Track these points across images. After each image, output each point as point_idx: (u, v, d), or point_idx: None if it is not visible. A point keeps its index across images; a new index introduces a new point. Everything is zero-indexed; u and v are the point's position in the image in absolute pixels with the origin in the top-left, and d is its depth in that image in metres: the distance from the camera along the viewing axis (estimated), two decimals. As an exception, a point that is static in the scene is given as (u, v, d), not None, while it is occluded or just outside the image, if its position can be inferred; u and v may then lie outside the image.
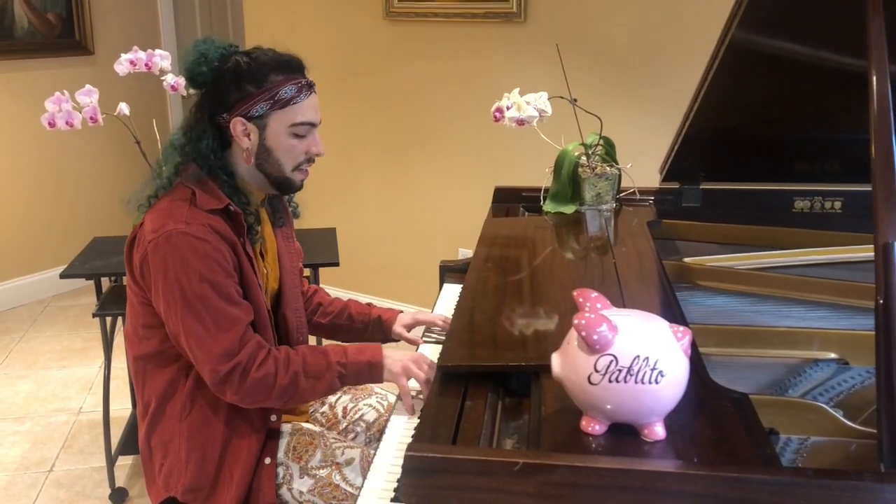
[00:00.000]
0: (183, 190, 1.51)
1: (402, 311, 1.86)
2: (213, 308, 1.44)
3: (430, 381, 1.51)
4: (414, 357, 1.56)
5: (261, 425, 1.58)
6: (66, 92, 2.23)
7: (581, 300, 1.09)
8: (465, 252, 3.19)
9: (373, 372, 1.55)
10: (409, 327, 1.83)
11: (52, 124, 2.22)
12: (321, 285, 2.18)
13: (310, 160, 1.58)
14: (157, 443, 1.60)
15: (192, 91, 1.59)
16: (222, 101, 1.51)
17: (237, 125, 1.51)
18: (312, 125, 1.56)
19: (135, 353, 1.60)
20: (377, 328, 1.85)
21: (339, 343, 1.72)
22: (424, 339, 1.78)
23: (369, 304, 1.90)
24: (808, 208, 2.02)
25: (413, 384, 1.54)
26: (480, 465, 0.97)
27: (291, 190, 1.62)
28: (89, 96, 2.25)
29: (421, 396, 1.52)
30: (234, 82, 1.49)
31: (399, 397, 1.53)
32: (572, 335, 1.06)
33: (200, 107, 1.54)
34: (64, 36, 4.16)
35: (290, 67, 1.53)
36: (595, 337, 1.01)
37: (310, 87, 1.55)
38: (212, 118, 1.52)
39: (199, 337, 1.44)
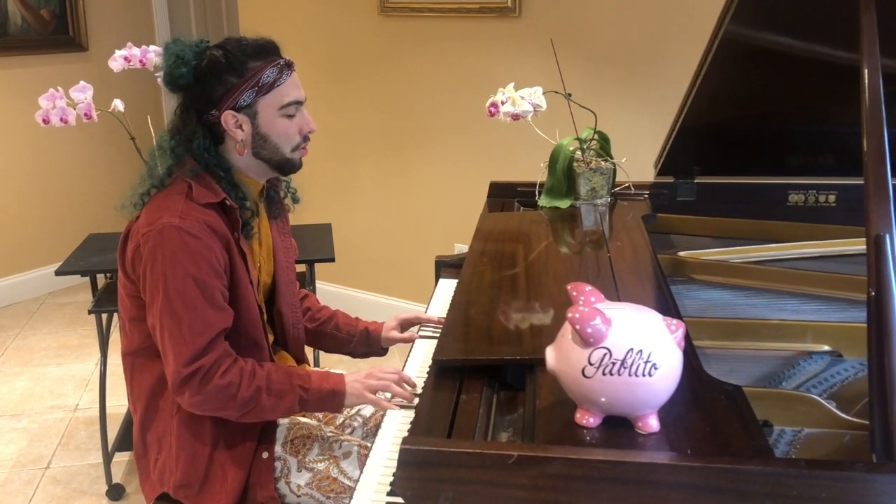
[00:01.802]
0: (180, 184, 1.51)
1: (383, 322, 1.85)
2: (193, 308, 1.43)
3: (396, 381, 1.52)
4: (367, 373, 1.55)
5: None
6: (60, 88, 2.23)
7: (575, 294, 1.10)
8: (461, 247, 3.20)
9: (335, 399, 1.54)
10: (398, 330, 1.83)
11: (46, 121, 2.21)
12: (317, 281, 2.18)
13: (305, 139, 1.59)
14: (152, 439, 1.60)
15: None
16: (207, 98, 1.50)
17: (228, 118, 1.51)
18: (299, 103, 1.56)
19: (123, 349, 1.60)
20: (363, 341, 1.84)
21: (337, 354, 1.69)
22: (420, 334, 1.78)
23: (356, 318, 1.89)
24: (802, 202, 2.02)
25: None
26: (475, 458, 0.98)
27: (293, 170, 1.62)
28: (83, 93, 2.24)
29: (394, 399, 1.52)
30: (216, 77, 1.49)
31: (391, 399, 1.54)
32: (566, 328, 1.06)
33: (185, 108, 1.53)
34: (58, 32, 4.15)
35: (266, 51, 1.52)
36: (589, 330, 1.01)
37: (289, 66, 1.55)
38: (200, 117, 1.52)
39: (173, 335, 1.43)
